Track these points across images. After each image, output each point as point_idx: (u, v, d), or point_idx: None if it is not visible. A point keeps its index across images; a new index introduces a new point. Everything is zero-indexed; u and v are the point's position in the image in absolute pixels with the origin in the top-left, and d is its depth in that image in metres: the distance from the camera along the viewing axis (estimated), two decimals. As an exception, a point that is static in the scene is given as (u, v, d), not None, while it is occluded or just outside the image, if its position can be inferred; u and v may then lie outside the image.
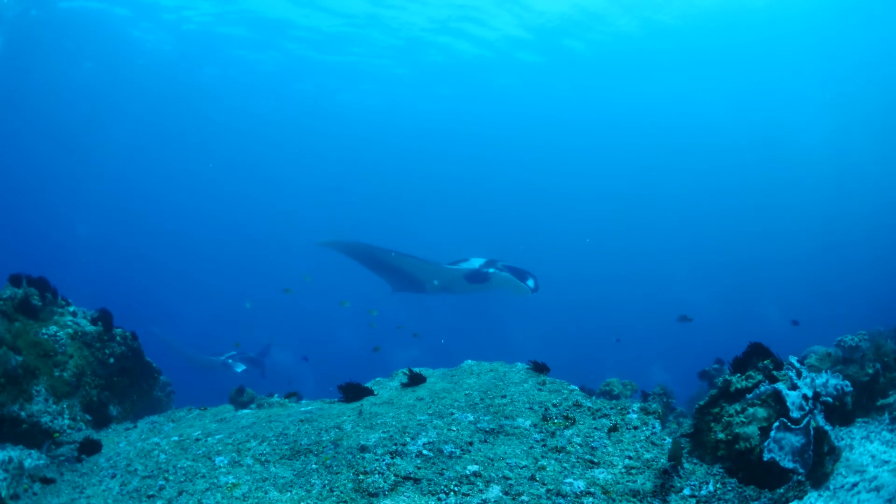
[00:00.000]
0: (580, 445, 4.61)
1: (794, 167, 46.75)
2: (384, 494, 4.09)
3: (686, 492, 4.03)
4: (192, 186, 53.51)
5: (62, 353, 7.17)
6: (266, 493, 4.33)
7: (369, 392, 6.12)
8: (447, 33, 30.94)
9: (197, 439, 5.57)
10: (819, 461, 4.34)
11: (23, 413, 6.44)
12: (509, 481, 4.16)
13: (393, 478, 4.23)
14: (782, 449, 4.23)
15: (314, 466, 4.59)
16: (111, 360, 7.59)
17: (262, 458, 4.86)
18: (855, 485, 4.28)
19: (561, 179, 52.26)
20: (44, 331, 7.25)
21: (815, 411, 4.44)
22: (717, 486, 4.12)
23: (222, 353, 17.06)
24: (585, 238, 46.15)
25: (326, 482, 4.33)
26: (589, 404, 5.19)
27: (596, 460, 4.41)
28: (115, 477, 5.12)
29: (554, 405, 5.21)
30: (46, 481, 5.36)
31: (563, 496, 3.98)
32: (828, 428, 4.42)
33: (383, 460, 4.47)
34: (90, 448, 5.94)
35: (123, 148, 45.16)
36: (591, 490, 4.03)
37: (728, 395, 4.79)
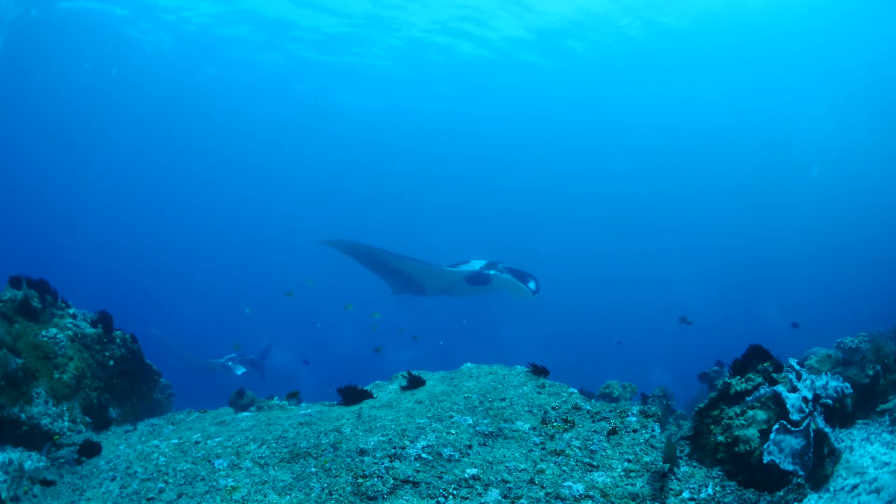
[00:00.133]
0: (579, 449, 4.60)
1: (795, 169, 46.71)
2: (383, 498, 4.09)
3: (685, 495, 4.03)
4: (192, 187, 53.48)
5: (62, 356, 7.17)
6: (265, 496, 4.33)
7: (368, 395, 6.12)
8: (448, 34, 30.92)
9: (196, 442, 5.57)
10: (819, 463, 4.34)
11: (23, 415, 6.44)
12: (508, 485, 4.15)
13: (392, 481, 4.23)
14: (782, 451, 4.23)
15: (313, 470, 4.59)
16: (111, 363, 7.59)
17: (262, 462, 4.87)
18: (855, 486, 4.27)
19: (561, 180, 52.21)
20: (44, 333, 7.25)
21: (815, 413, 4.43)
22: (717, 489, 4.12)
23: (222, 356, 17.05)
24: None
25: (325, 485, 4.33)
26: (588, 407, 5.18)
27: (595, 463, 4.40)
28: (115, 479, 5.13)
29: (553, 408, 5.21)
30: (46, 483, 5.38)
31: (562, 499, 3.98)
32: (828, 430, 4.41)
33: (382, 464, 4.47)
34: (90, 450, 5.95)
35: (123, 148, 45.11)
36: (591, 493, 4.03)
37: (728, 397, 4.78)
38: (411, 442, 4.77)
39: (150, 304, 39.93)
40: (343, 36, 31.00)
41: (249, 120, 42.51)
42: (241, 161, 50.24)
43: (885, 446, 4.85)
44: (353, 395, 6.07)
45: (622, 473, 4.27)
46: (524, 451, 4.60)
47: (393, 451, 4.64)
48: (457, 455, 4.56)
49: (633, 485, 4.12)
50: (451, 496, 4.05)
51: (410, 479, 4.25)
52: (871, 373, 5.72)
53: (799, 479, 4.13)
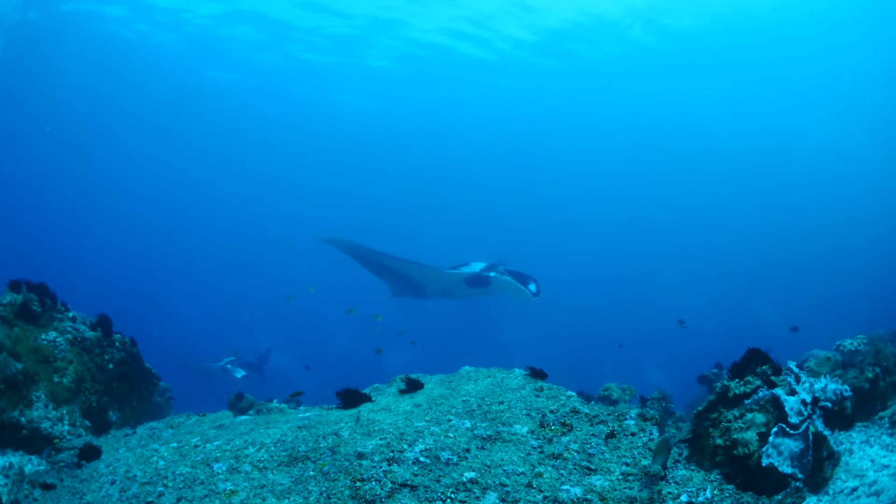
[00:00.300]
0: (577, 452, 4.60)
1: (794, 171, 46.64)
2: (381, 501, 4.10)
3: (683, 498, 4.03)
4: (191, 187, 53.47)
5: (62, 359, 7.18)
6: (264, 500, 4.34)
7: (367, 398, 6.12)
8: (448, 35, 30.93)
9: (195, 446, 5.58)
10: (818, 466, 4.34)
11: (23, 419, 6.44)
12: (506, 488, 4.16)
13: (390, 485, 4.24)
14: (781, 454, 4.23)
15: (312, 473, 4.59)
16: (110, 366, 7.60)
17: (260, 465, 4.87)
18: (854, 489, 4.27)
19: (560, 182, 52.18)
20: (43, 336, 7.26)
21: (814, 416, 4.43)
22: (715, 492, 4.12)
23: (220, 359, 17.08)
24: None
25: (324, 489, 4.34)
26: (586, 410, 5.19)
27: (593, 467, 4.41)
28: (115, 483, 5.13)
29: (551, 411, 5.21)
30: (46, 487, 5.39)
31: (560, 503, 3.98)
32: (827, 433, 4.41)
33: (380, 467, 4.47)
34: (90, 454, 5.95)
35: (123, 149, 45.12)
36: (588, 497, 4.04)
37: (726, 400, 4.78)
38: (409, 445, 4.77)
39: (150, 306, 39.93)
40: (344, 37, 31.02)
41: (248, 121, 42.49)
42: (241, 162, 50.23)
43: (884, 449, 4.84)
44: (351, 399, 6.06)
45: (620, 477, 4.27)
46: (522, 455, 4.60)
47: (391, 454, 4.64)
48: (455, 459, 4.56)
49: (631, 488, 4.12)
50: (448, 500, 4.06)
51: (408, 482, 4.25)
52: (870, 375, 5.71)
53: (797, 483, 4.13)
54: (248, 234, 53.65)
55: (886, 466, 4.52)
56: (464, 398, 5.70)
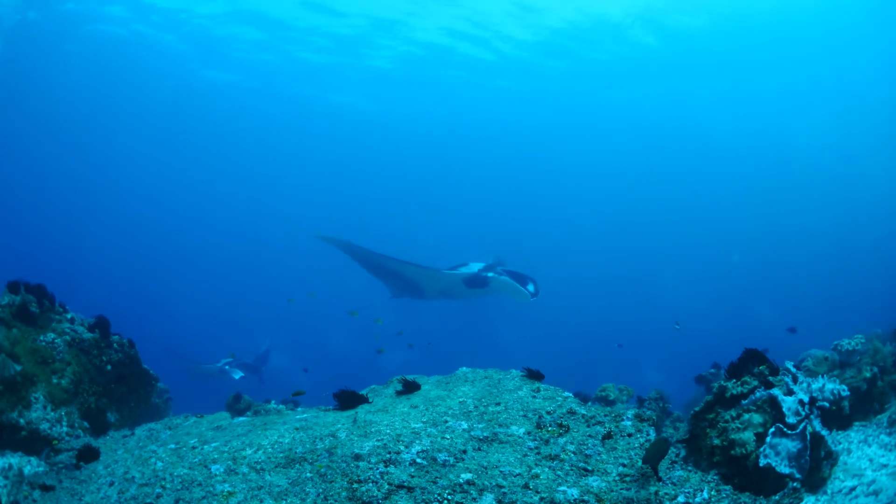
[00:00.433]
0: (574, 453, 4.61)
1: (792, 171, 46.59)
2: (378, 503, 4.10)
3: (680, 499, 4.03)
4: (189, 188, 53.40)
5: (60, 361, 7.19)
6: (261, 501, 4.35)
7: (364, 400, 6.12)
8: (449, 36, 30.91)
9: (193, 447, 5.57)
10: (816, 466, 4.33)
11: (22, 420, 6.45)
12: (503, 489, 4.16)
13: (387, 486, 4.24)
14: (778, 454, 4.23)
15: (309, 475, 4.59)
16: (108, 367, 7.60)
17: (258, 467, 4.87)
18: (853, 489, 4.27)
19: (557, 182, 52.11)
20: (42, 338, 7.27)
21: (812, 416, 4.43)
22: (712, 493, 4.12)
23: (218, 360, 17.07)
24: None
25: (321, 490, 4.34)
26: (583, 411, 5.19)
27: (590, 468, 4.41)
28: (113, 485, 5.13)
29: (548, 412, 5.21)
30: (46, 488, 5.39)
31: (557, 504, 3.99)
32: (824, 433, 4.41)
33: (377, 468, 4.48)
34: (88, 455, 5.95)
35: (121, 149, 45.08)
36: (585, 498, 4.04)
37: (723, 400, 4.78)
38: (406, 447, 4.77)
39: (148, 306, 39.90)
40: (342, 37, 31.00)
41: (247, 121, 42.43)
42: (239, 162, 50.18)
43: (882, 448, 4.84)
44: (348, 400, 6.07)
45: (617, 478, 4.27)
46: (519, 456, 4.61)
47: (388, 456, 4.65)
48: (451, 460, 4.57)
49: (628, 489, 4.12)
50: (445, 501, 4.06)
51: (405, 484, 4.25)
52: (868, 375, 5.70)
53: (795, 483, 4.12)
54: (246, 235, 53.66)
55: (885, 466, 4.52)
56: (460, 399, 5.70)
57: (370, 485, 4.27)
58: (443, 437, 4.92)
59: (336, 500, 4.18)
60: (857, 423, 5.39)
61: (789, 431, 4.26)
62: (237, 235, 53.72)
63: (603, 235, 52.39)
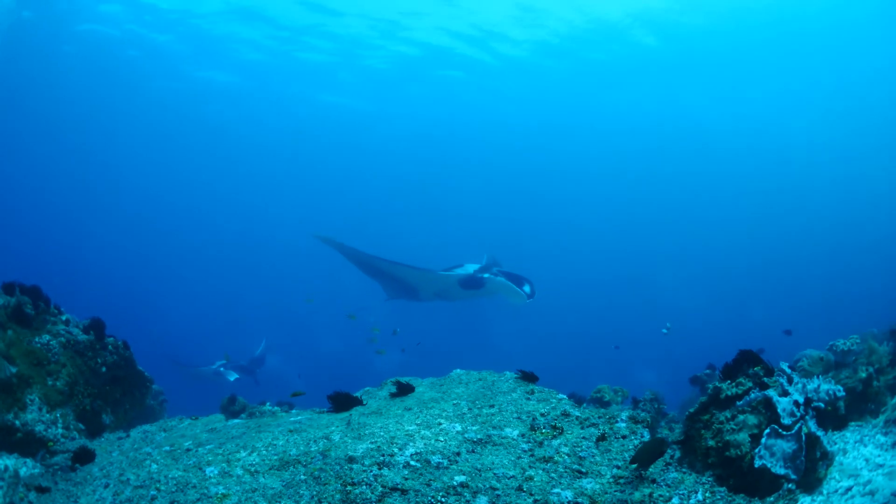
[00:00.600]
0: (568, 455, 4.60)
1: (792, 172, 46.59)
2: (371, 506, 4.09)
3: (675, 501, 4.02)
4: (186, 188, 53.32)
5: (55, 362, 7.18)
6: (255, 503, 4.33)
7: (358, 402, 6.12)
8: (445, 37, 30.89)
9: (188, 449, 5.57)
10: (812, 467, 4.33)
11: (17, 422, 6.45)
12: (496, 492, 4.15)
13: (380, 489, 4.23)
14: (773, 455, 4.22)
15: (303, 477, 4.59)
16: (103, 369, 7.60)
17: (252, 469, 4.87)
18: (849, 489, 4.26)
19: (554, 183, 52.08)
20: (37, 339, 7.26)
21: (807, 417, 4.42)
22: (706, 494, 4.11)
23: (213, 362, 17.07)
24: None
25: (315, 493, 4.33)
26: (577, 413, 5.18)
27: (584, 470, 4.40)
28: (108, 487, 5.13)
29: (542, 415, 5.21)
30: (41, 490, 5.39)
31: (550, 507, 3.98)
32: (820, 433, 4.40)
33: (371, 471, 4.47)
34: (84, 457, 5.96)
35: (118, 150, 45.03)
36: (579, 500, 4.03)
37: (718, 402, 4.77)
38: (400, 449, 4.77)
39: (144, 307, 39.88)
40: (340, 37, 30.97)
41: (242, 122, 42.34)
42: (235, 162, 50.08)
43: (879, 448, 4.83)
44: (342, 402, 6.06)
45: (611, 480, 4.26)
46: (513, 458, 4.60)
47: (381, 458, 4.64)
48: (445, 462, 4.56)
49: (622, 491, 4.11)
50: (439, 503, 4.06)
51: (399, 486, 4.25)
52: (863, 375, 5.70)
53: (790, 485, 4.11)
54: (242, 236, 53.68)
55: (881, 466, 4.51)
56: (454, 401, 5.69)
57: (364, 487, 4.26)
58: (437, 440, 4.92)
59: (330, 503, 4.17)
60: (852, 424, 5.39)
61: (784, 432, 4.25)
62: (233, 236, 53.78)
63: (599, 236, 52.46)
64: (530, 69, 34.27)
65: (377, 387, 6.79)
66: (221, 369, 16.57)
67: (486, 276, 13.16)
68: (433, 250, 36.13)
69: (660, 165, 47.83)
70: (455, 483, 4.27)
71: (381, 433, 5.09)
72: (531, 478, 4.31)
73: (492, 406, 5.49)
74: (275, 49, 32.09)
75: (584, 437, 4.84)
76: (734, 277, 44.30)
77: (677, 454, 4.70)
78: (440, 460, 4.59)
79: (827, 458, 4.47)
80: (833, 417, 5.13)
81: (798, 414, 4.39)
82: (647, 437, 4.82)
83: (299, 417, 6.17)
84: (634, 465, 4.29)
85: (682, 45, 31.28)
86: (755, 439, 4.34)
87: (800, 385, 4.66)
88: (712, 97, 37.41)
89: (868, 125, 39.41)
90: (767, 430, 4.28)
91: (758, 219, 49.13)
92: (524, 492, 4.14)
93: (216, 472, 4.91)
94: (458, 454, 4.68)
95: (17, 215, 48.75)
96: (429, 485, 4.26)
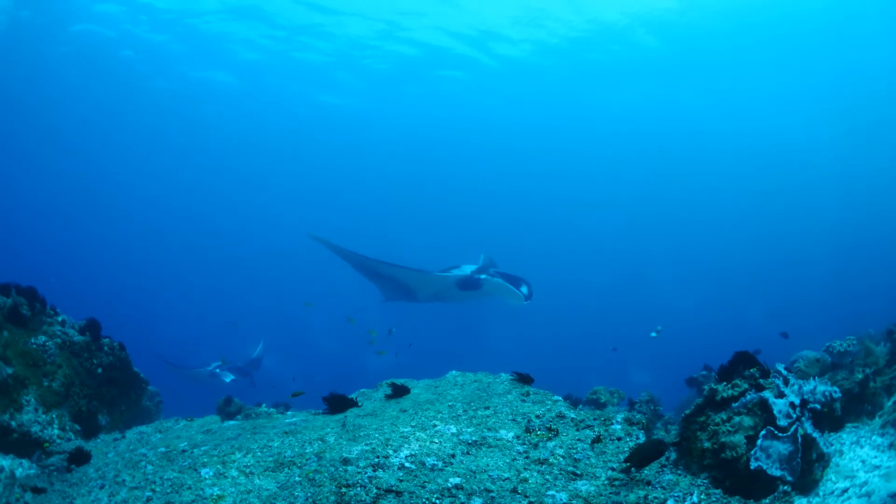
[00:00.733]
0: (563, 457, 4.59)
1: (789, 172, 46.60)
2: (366, 508, 4.08)
3: (669, 503, 4.01)
4: (183, 189, 53.19)
5: (51, 363, 7.18)
6: (250, 505, 4.34)
7: (353, 404, 6.12)
8: (448, 37, 30.89)
9: (183, 451, 5.57)
10: (808, 468, 4.33)
11: (13, 423, 6.46)
12: (491, 494, 4.14)
13: (375, 491, 4.22)
14: (769, 457, 4.22)
15: (297, 479, 4.58)
16: (99, 370, 7.60)
17: (247, 470, 4.87)
18: (845, 490, 4.26)
19: (550, 184, 52.07)
20: (33, 340, 7.26)
21: (803, 418, 4.42)
22: (702, 496, 4.10)
23: (209, 363, 17.05)
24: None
25: (309, 494, 4.32)
26: (572, 415, 5.18)
27: (579, 472, 4.39)
28: (104, 487, 5.13)
29: (537, 416, 5.21)
30: (37, 491, 5.39)
31: (545, 509, 3.97)
32: (816, 435, 4.40)
33: (365, 473, 4.46)
34: (79, 458, 5.96)
35: (116, 150, 44.97)
36: (574, 502, 4.02)
37: (714, 403, 4.76)
38: (395, 451, 4.77)
39: (140, 308, 39.90)
40: (338, 37, 30.96)
41: (238, 122, 42.24)
42: (232, 163, 49.99)
43: (875, 450, 4.83)
44: (338, 404, 6.07)
45: (606, 482, 4.25)
46: (508, 460, 4.59)
47: (376, 460, 4.64)
48: (440, 464, 4.56)
49: (617, 493, 4.10)
50: (433, 506, 4.05)
51: (393, 488, 4.24)
52: (860, 376, 5.69)
53: (785, 487, 4.11)
54: (239, 237, 53.66)
55: (877, 467, 4.51)
56: (450, 403, 5.70)
57: (358, 489, 4.26)
58: (432, 442, 4.92)
59: (324, 504, 4.17)
60: (849, 425, 5.39)
61: (780, 434, 4.25)
62: (230, 237, 53.74)
63: (595, 236, 52.47)
64: (528, 69, 34.25)
65: (373, 388, 6.79)
66: (217, 371, 16.54)
67: (483, 277, 13.11)
68: (432, 251, 36.08)
69: (658, 166, 47.83)
70: (450, 485, 4.26)
71: (376, 435, 5.09)
72: (526, 480, 4.31)
73: (487, 408, 5.49)
74: (272, 49, 32.03)
75: (579, 439, 4.83)
76: (732, 278, 44.35)
77: (673, 456, 4.70)
78: (435, 462, 4.58)
79: (823, 459, 4.46)
80: (829, 419, 5.13)
81: (794, 415, 4.39)
82: (642, 439, 4.82)
83: (295, 419, 6.17)
84: (627, 464, 4.29)
85: (681, 45, 31.27)
86: (751, 441, 4.34)
87: (796, 386, 4.66)
88: (708, 97, 37.37)
89: (868, 126, 39.43)
90: (763, 432, 4.28)
91: (756, 220, 49.18)
92: (519, 494, 4.13)
93: (211, 473, 4.91)
94: (453, 456, 4.68)
95: (12, 216, 48.75)
96: (423, 486, 4.25)
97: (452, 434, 5.04)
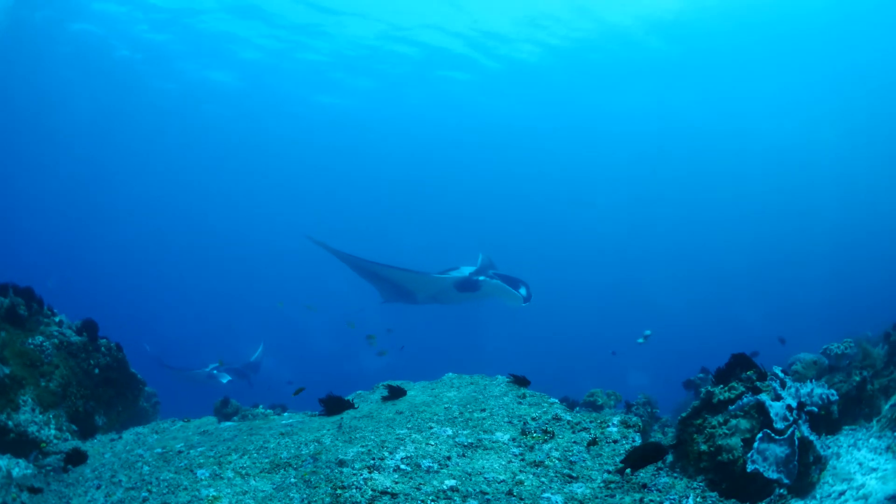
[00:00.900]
0: (559, 460, 4.59)
1: (787, 173, 46.59)
2: (361, 509, 4.08)
3: (665, 506, 4.01)
4: (182, 189, 53.17)
5: (48, 364, 7.18)
6: (246, 506, 4.33)
7: (350, 405, 6.13)
8: (447, 37, 30.88)
9: (179, 451, 5.58)
10: (804, 471, 4.32)
11: (10, 423, 6.47)
12: (487, 496, 4.13)
13: (370, 492, 4.22)
14: (766, 460, 4.21)
15: (293, 480, 4.58)
16: (96, 371, 7.60)
17: (243, 472, 4.87)
18: (842, 493, 4.26)
19: (547, 186, 52.05)
20: (30, 341, 7.26)
21: (800, 421, 4.42)
22: (698, 499, 4.09)
23: (206, 364, 17.05)
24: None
25: (305, 496, 4.32)
26: (568, 418, 5.17)
27: (574, 474, 4.38)
28: (101, 488, 5.13)
29: (533, 419, 5.20)
30: (34, 491, 5.39)
31: (541, 512, 3.97)
32: (813, 437, 4.40)
33: (361, 475, 4.46)
34: (76, 458, 5.97)
35: (115, 150, 44.98)
36: (569, 505, 4.02)
37: (711, 406, 4.76)
38: (390, 453, 4.76)
39: (138, 309, 39.83)
40: (336, 37, 30.94)
41: (238, 123, 42.21)
42: (231, 164, 49.97)
43: (872, 452, 4.82)
44: (334, 406, 6.07)
45: (602, 485, 4.25)
46: (503, 463, 4.59)
47: (372, 462, 4.63)
48: (436, 466, 4.55)
49: (613, 496, 4.10)
50: (429, 508, 4.04)
51: (389, 490, 4.23)
52: (857, 379, 5.68)
53: (781, 490, 4.11)
54: (238, 238, 53.58)
55: (875, 470, 4.50)
56: (446, 405, 5.69)
57: (354, 491, 4.25)
58: (427, 444, 4.92)
59: (320, 506, 4.16)
60: (846, 428, 5.38)
61: (777, 437, 4.25)
62: (229, 237, 53.66)
63: (592, 238, 52.41)
64: (529, 70, 34.25)
65: (369, 390, 6.79)
66: (215, 372, 16.55)
67: (481, 278, 13.09)
68: (432, 252, 36.10)
69: (657, 167, 47.81)
70: (445, 487, 4.25)
71: (372, 437, 5.09)
72: (521, 482, 4.30)
73: (483, 410, 5.49)
74: (272, 49, 32.00)
75: (575, 442, 4.83)
76: (730, 279, 44.32)
77: (669, 458, 4.69)
78: (430, 464, 4.58)
79: (820, 462, 4.46)
80: (827, 421, 5.12)
81: (791, 418, 4.39)
82: (638, 441, 4.81)
83: (291, 420, 6.17)
84: (623, 467, 4.29)
85: (681, 46, 31.26)
86: (748, 444, 4.34)
87: (793, 389, 4.66)
88: (708, 97, 37.34)
89: (867, 127, 39.45)
90: (760, 435, 4.27)
91: (755, 221, 49.13)
92: (514, 496, 4.13)
93: (207, 474, 4.91)
94: (449, 458, 4.67)
95: (10, 216, 48.71)
96: (419, 489, 4.25)
97: (448, 436, 5.04)
